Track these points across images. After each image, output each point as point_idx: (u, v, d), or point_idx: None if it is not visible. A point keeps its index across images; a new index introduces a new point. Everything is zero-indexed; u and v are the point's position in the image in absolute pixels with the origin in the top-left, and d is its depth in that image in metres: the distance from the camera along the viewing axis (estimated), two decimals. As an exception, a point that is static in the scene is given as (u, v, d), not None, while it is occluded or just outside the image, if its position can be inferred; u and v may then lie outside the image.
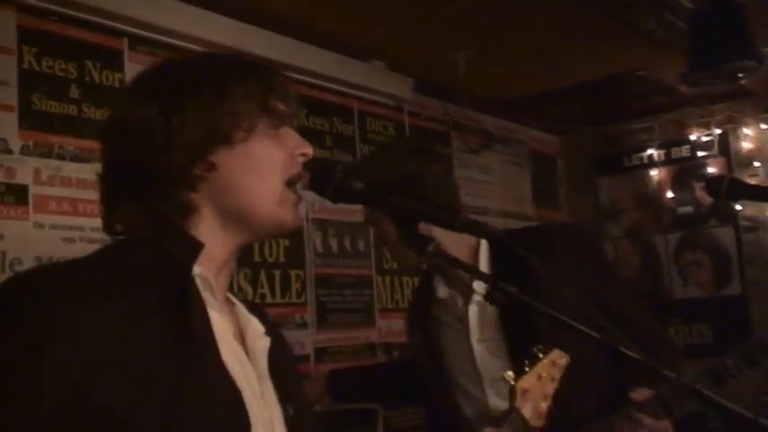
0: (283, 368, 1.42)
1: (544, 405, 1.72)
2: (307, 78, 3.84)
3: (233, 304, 1.41)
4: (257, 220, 1.35)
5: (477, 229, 1.42)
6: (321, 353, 3.78)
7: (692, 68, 3.60)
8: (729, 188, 2.39)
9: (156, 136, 1.28)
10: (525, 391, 1.69)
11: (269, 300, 3.53)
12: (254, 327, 1.40)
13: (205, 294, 1.28)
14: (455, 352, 2.24)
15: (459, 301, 2.23)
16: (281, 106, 1.39)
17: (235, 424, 1.22)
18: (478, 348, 2.16)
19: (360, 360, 3.97)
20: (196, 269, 1.27)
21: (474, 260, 2.18)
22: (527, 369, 1.72)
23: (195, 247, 1.28)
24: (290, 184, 1.37)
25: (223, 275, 1.37)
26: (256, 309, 1.47)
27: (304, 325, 3.72)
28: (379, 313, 4.15)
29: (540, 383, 1.72)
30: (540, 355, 1.74)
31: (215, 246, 1.32)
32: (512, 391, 1.70)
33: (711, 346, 5.18)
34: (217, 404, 1.20)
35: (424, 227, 1.41)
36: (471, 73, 4.32)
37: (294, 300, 3.70)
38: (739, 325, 5.13)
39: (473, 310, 2.18)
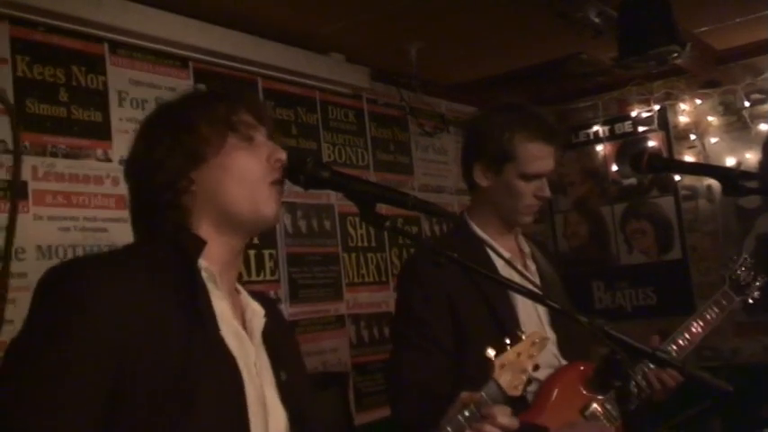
0: (279, 341, 1.72)
1: (521, 378, 1.93)
2: (272, 73, 4.12)
3: (239, 293, 1.72)
4: (241, 220, 1.64)
5: (426, 208, 1.74)
6: (294, 325, 4.06)
7: (622, 54, 3.94)
8: (649, 162, 2.72)
9: (143, 168, 1.62)
10: (503, 366, 1.90)
11: (245, 278, 3.79)
12: (254, 309, 1.70)
13: (209, 284, 1.58)
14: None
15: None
16: (248, 118, 1.67)
17: (231, 382, 1.52)
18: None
19: (330, 331, 4.31)
20: (202, 263, 1.58)
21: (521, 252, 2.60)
22: (508, 348, 1.93)
23: (200, 244, 1.59)
24: (272, 184, 1.66)
25: (229, 272, 1.67)
26: (259, 295, 1.79)
27: (278, 300, 3.99)
28: (347, 287, 4.44)
29: (518, 360, 1.93)
30: (522, 337, 1.96)
31: (216, 247, 1.62)
32: (491, 365, 1.90)
33: (656, 307, 5.56)
34: (216, 365, 1.51)
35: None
36: (424, 61, 4.58)
37: (268, 277, 3.99)
38: (681, 287, 5.52)
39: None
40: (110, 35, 3.39)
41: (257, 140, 1.67)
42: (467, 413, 1.82)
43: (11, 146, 2.94)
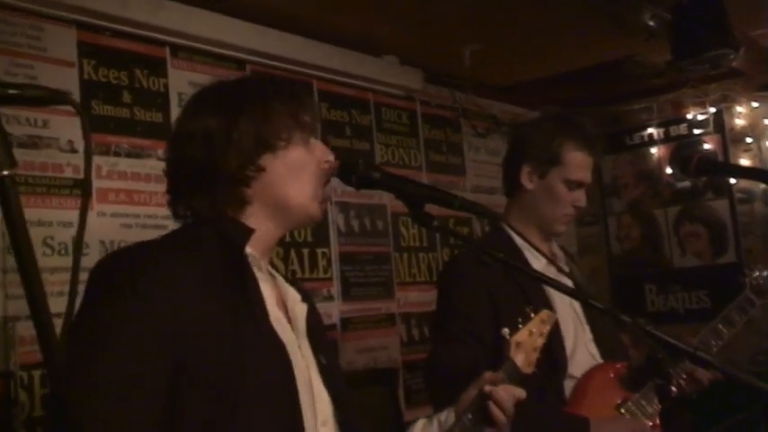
0: (316, 328, 1.79)
1: (533, 356, 2.02)
2: (327, 75, 4.21)
3: (274, 277, 1.78)
4: (292, 212, 1.72)
5: (474, 209, 1.80)
6: (346, 322, 4.16)
7: (675, 57, 3.95)
8: (698, 165, 2.75)
9: (216, 143, 1.65)
10: (518, 344, 1.99)
11: (299, 275, 3.88)
12: (293, 295, 1.77)
13: (254, 269, 1.65)
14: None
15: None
16: (309, 120, 1.74)
17: (281, 365, 1.58)
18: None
19: (381, 329, 4.38)
20: (248, 249, 1.64)
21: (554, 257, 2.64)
22: (520, 326, 2.02)
23: (248, 232, 1.66)
24: (318, 184, 1.73)
25: (268, 255, 1.75)
26: (292, 280, 1.86)
27: (330, 298, 4.09)
28: (398, 286, 4.51)
29: (530, 338, 2.01)
30: (532, 315, 2.05)
31: (263, 232, 1.68)
32: (507, 345, 1.99)
33: (709, 311, 5.49)
34: (267, 350, 1.58)
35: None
36: (477, 63, 4.63)
37: (321, 275, 4.07)
38: (735, 291, 5.44)
39: None
40: (171, 39, 3.52)
41: (312, 141, 1.75)
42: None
43: (77, 146, 3.07)
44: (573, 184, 2.57)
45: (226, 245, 1.62)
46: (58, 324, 1.54)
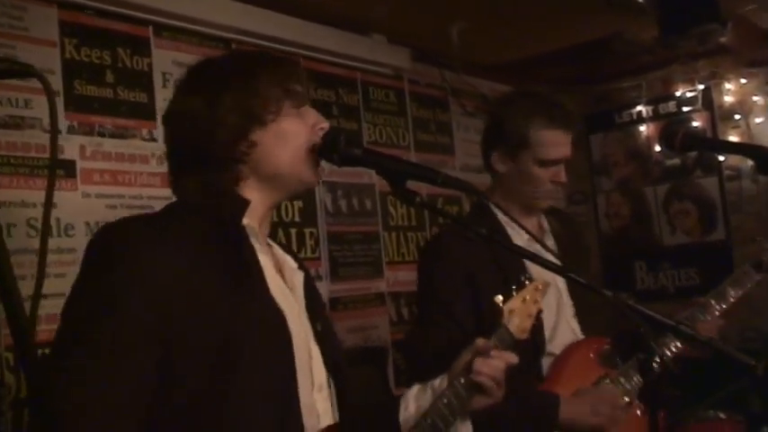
0: (313, 295, 1.80)
1: (528, 322, 2.02)
2: (314, 54, 4.18)
3: (271, 246, 1.79)
4: (286, 181, 1.71)
5: (457, 185, 1.79)
6: (335, 302, 4.16)
7: (663, 33, 3.94)
8: (683, 140, 2.75)
9: (201, 123, 1.65)
10: (511, 311, 1.98)
11: (286, 255, 3.90)
12: (290, 263, 1.79)
13: (252, 239, 1.66)
14: None
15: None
16: (299, 88, 1.74)
17: (280, 336, 1.59)
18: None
19: (371, 309, 4.38)
20: (245, 221, 1.65)
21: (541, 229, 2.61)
22: (514, 294, 2.02)
23: (244, 204, 1.66)
24: (312, 150, 1.72)
25: (264, 225, 1.76)
26: (288, 250, 1.87)
27: (319, 278, 4.07)
28: (387, 266, 4.51)
29: (524, 305, 2.02)
30: (527, 283, 2.05)
31: (256, 203, 1.69)
32: (500, 312, 1.99)
33: (699, 288, 5.51)
34: (266, 321, 1.58)
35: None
36: (465, 42, 4.61)
37: (309, 255, 4.06)
38: (724, 268, 5.47)
39: None
40: (154, 18, 3.48)
41: (303, 109, 1.75)
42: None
43: (60, 126, 3.05)
44: (547, 163, 2.50)
45: (222, 217, 1.63)
46: (45, 305, 1.53)
